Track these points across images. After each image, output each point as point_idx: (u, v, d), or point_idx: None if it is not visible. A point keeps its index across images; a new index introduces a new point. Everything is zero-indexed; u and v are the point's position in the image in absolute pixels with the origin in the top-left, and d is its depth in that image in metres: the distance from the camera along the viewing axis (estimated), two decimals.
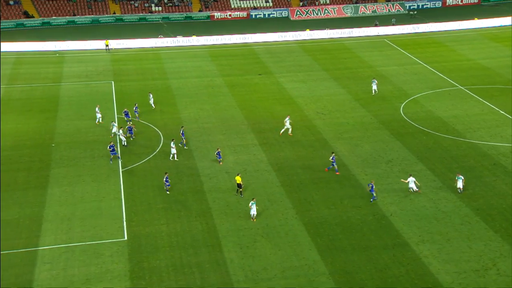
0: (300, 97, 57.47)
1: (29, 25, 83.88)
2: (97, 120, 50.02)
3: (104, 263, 32.39)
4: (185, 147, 45.63)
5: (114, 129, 46.37)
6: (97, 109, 50.50)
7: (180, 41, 77.14)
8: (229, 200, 38.84)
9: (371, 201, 38.17)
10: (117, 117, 51.69)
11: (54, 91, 58.66)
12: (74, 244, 33.94)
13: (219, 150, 43.41)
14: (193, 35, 79.00)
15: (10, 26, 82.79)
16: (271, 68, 66.73)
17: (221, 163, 42.80)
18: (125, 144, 45.36)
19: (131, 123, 48.21)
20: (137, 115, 51.32)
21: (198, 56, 72.10)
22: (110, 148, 43.30)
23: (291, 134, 48.20)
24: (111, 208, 37.66)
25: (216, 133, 49.25)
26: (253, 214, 36.20)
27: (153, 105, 54.04)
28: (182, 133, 46.38)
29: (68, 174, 41.78)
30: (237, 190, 39.34)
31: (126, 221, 36.23)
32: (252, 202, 36.25)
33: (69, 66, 66.88)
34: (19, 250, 33.28)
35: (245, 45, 76.74)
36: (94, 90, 59.26)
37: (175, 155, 43.73)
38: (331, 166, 42.02)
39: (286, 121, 48.60)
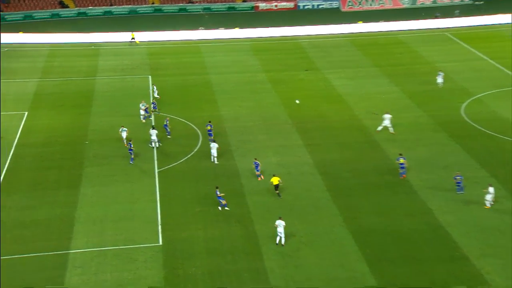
0: (349, 95, 56.93)
1: (64, 15, 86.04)
2: (142, 117, 50.70)
3: (138, 269, 32.86)
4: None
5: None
6: (141, 105, 51.12)
7: (222, 33, 77.58)
8: (270, 204, 38.81)
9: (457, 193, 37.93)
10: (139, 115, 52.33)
11: (88, 85, 59.98)
12: (107, 248, 34.56)
13: (257, 161, 41.96)
14: (236, 27, 79.32)
15: (46, 16, 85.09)
16: (318, 64, 66.32)
17: (260, 178, 41.42)
18: (156, 145, 45.63)
19: (166, 121, 48.72)
20: (154, 110, 52.16)
21: (240, 50, 72.35)
22: (128, 145, 43.79)
23: (393, 133, 47.55)
24: (145, 210, 38.19)
25: (257, 132, 49.30)
26: (280, 238, 34.48)
27: (157, 95, 55.11)
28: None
29: (101, 174, 42.61)
30: (277, 191, 39.54)
31: (161, 224, 36.68)
32: (279, 221, 34.65)
33: (104, 59, 68.26)
34: (50, 253, 34.10)
35: (291, 38, 76.56)
36: (129, 85, 60.29)
37: (216, 158, 43.91)
38: (403, 171, 41.28)
39: (385, 118, 47.96)
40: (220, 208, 38.06)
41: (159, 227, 36.45)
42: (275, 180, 39.57)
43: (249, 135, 48.73)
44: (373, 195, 39.69)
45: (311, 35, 77.45)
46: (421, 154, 44.77)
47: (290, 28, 78.60)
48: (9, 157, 44.50)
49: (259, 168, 41.61)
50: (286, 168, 43.28)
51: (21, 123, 50.33)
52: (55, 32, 75.42)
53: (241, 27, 79.25)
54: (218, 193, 38.08)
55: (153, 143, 45.54)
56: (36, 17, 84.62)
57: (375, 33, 78.42)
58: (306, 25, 79.54)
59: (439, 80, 57.84)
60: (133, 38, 73.88)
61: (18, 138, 47.54)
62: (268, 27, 78.85)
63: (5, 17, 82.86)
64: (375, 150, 45.79)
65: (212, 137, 46.52)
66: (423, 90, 57.40)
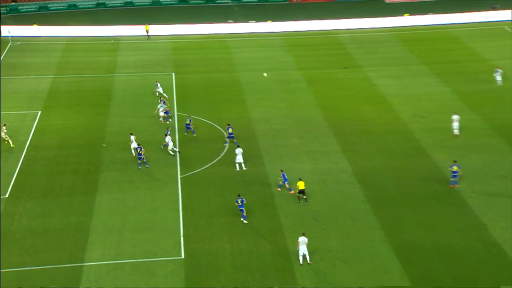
0: (393, 96, 56.56)
1: (82, 6, 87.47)
2: (161, 118, 51.32)
3: (157, 284, 33.12)
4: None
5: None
6: (159, 106, 51.63)
7: (252, 27, 77.84)
8: (304, 216, 38.79)
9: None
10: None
11: (106, 83, 60.82)
12: (124, 260, 34.95)
13: (283, 172, 41.75)
14: (268, 20, 79.52)
15: (62, 7, 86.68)
16: (359, 61, 66.08)
17: (291, 191, 41.18)
18: (176, 153, 46.03)
19: (189, 120, 49.08)
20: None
21: (272, 45, 72.50)
22: (138, 150, 44.31)
23: (457, 135, 47.68)
24: (166, 220, 38.53)
25: (291, 136, 49.32)
26: (303, 255, 34.21)
27: (163, 93, 55.75)
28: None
29: (119, 179, 43.14)
30: (299, 197, 39.83)
31: (183, 236, 36.94)
32: (302, 238, 34.45)
33: (124, 55, 69.16)
34: (63, 265, 34.61)
35: (329, 32, 76.44)
36: (151, 83, 60.89)
37: (243, 164, 44.12)
38: (456, 179, 40.94)
39: (454, 119, 47.84)
40: (242, 219, 38.21)
41: (181, 238, 36.72)
42: (301, 185, 39.84)
43: (281, 139, 48.79)
44: (419, 207, 39.33)
45: (351, 29, 77.18)
46: (474, 162, 44.20)
47: (328, 21, 78.48)
48: (21, 160, 45.39)
49: (286, 178, 41.32)
50: (321, 176, 43.22)
51: (34, 123, 51.30)
52: (72, 25, 76.71)
53: (274, 20, 79.41)
54: (239, 202, 38.15)
55: (171, 152, 45.85)
56: (51, 8, 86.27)
57: (422, 27, 77.77)
58: (345, 18, 79.34)
59: (498, 78, 57.15)
60: (147, 31, 74.55)
61: (31, 139, 48.46)
62: (303, 20, 78.89)
63: (19, 8, 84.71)
64: (422, 157, 45.37)
65: (233, 140, 47.03)
66: (477, 91, 56.67)
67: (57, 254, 35.41)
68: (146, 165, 44.30)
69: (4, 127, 47.51)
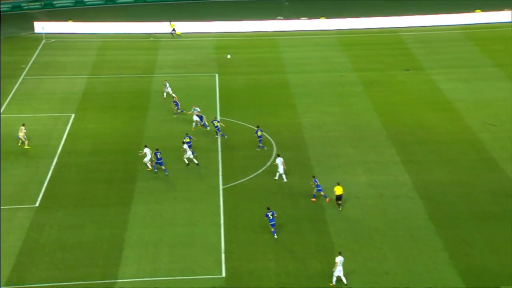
0: (461, 102, 55.73)
1: (120, 1, 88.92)
2: (194, 124, 51.65)
3: None
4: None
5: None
6: (193, 109, 52.06)
7: (304, 24, 77.80)
8: (358, 233, 38.55)
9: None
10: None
11: (144, 84, 61.61)
12: (160, 278, 35.22)
13: (315, 179, 41.96)
14: (321, 16, 79.32)
15: (99, 2, 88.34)
16: (423, 62, 65.38)
17: (327, 199, 41.62)
18: (187, 162, 46.30)
19: (218, 122, 49.42)
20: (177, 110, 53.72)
21: (326, 44, 72.33)
22: (155, 155, 44.92)
23: None
24: (207, 235, 38.73)
25: (344, 144, 49.10)
26: (337, 276, 34.13)
27: (172, 94, 56.47)
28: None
29: (156, 189, 43.60)
30: (339, 204, 40.47)
31: (224, 253, 37.06)
32: (339, 258, 34.36)
33: (164, 54, 69.97)
34: (95, 282, 35.12)
35: (389, 30, 75.85)
36: (193, 84, 61.48)
37: (283, 175, 44.12)
38: None
39: None
40: (275, 235, 38.31)
41: (223, 255, 36.84)
42: (338, 190, 40.16)
43: (334, 148, 48.62)
44: (489, 227, 38.65)
45: (414, 27, 76.43)
46: None
47: (388, 18, 77.82)
48: (52, 167, 46.33)
49: (320, 187, 41.61)
50: (378, 190, 42.85)
51: (66, 127, 52.35)
52: (109, 21, 78.01)
53: (328, 16, 79.16)
54: (270, 216, 38.11)
55: (186, 160, 46.18)
56: (88, 3, 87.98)
57: (496, 24, 76.37)
58: (408, 14, 78.51)
59: None
60: (173, 30, 75.26)
61: (63, 144, 49.45)
62: (360, 17, 78.42)
63: (54, 3, 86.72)
64: (493, 171, 44.55)
65: (261, 144, 47.53)
66: None
67: (88, 270, 35.95)
68: (166, 173, 44.90)
69: (23, 127, 48.75)
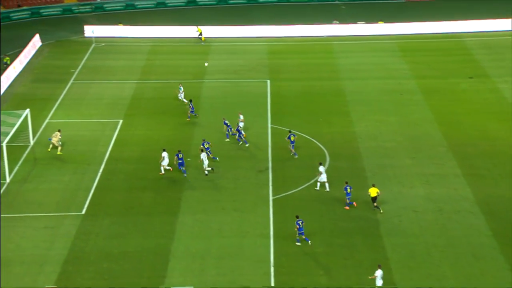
0: None
1: (171, 4, 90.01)
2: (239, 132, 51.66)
3: None
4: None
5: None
6: (241, 117, 52.05)
7: (360, 29, 77.39)
8: (415, 249, 38.09)
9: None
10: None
11: (194, 89, 61.85)
12: None
13: (348, 185, 42.09)
14: (379, 21, 78.80)
15: (149, 5, 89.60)
16: (488, 69, 64.45)
17: (354, 204, 41.98)
18: (206, 172, 46.49)
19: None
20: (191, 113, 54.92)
21: (383, 49, 71.92)
22: (177, 157, 45.98)
23: None
24: (256, 247, 38.71)
25: (401, 155, 48.66)
26: None
27: (183, 99, 57.62)
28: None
29: (204, 199, 43.82)
30: (377, 206, 41.10)
31: (274, 266, 36.98)
32: (379, 272, 34.11)
33: (215, 58, 70.41)
34: None
35: (452, 36, 74.94)
36: (244, 91, 61.70)
37: (326, 184, 43.93)
38: None
39: None
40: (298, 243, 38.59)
41: (272, 268, 36.77)
42: (373, 192, 40.63)
43: (390, 159, 48.22)
44: None
45: (479, 32, 75.38)
46: None
47: (451, 22, 76.82)
48: (99, 174, 47.04)
49: (350, 193, 41.89)
50: (437, 204, 42.27)
51: (114, 133, 53.12)
52: (159, 25, 78.98)
53: (386, 21, 78.64)
54: (300, 224, 38.23)
55: (206, 171, 46.36)
56: (138, 6, 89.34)
57: None
58: (474, 18, 77.25)
59: None
60: (200, 34, 75.51)
61: (110, 151, 50.18)
62: (421, 21, 77.65)
63: (104, 6, 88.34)
64: None
65: (294, 150, 47.79)
66: None
67: (134, 280, 36.27)
68: (185, 174, 45.96)
69: (58, 133, 49.68)
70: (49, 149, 49.82)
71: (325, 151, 49.39)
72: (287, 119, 54.63)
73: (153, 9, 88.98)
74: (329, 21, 79.74)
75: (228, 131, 51.29)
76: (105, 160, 48.91)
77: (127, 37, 77.03)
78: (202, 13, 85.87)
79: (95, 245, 39.21)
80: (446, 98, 58.53)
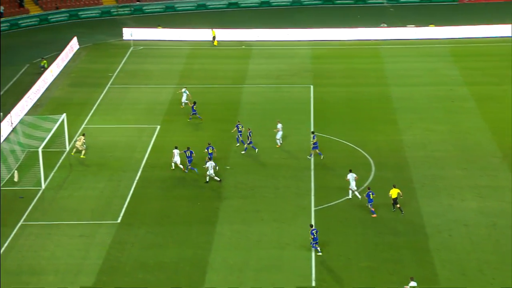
0: None
1: (212, 6, 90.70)
2: (278, 141, 51.56)
3: None
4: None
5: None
6: (279, 126, 51.88)
7: (410, 32, 76.91)
8: (466, 265, 37.62)
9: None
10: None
11: (233, 94, 62.43)
12: None
13: (370, 191, 42.30)
14: (430, 24, 78.25)
15: (190, 7, 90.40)
16: None
17: (375, 215, 41.86)
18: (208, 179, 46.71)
19: (250, 133, 50.06)
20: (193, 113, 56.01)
21: (434, 54, 71.50)
22: (186, 154, 47.47)
23: None
24: (296, 260, 38.60)
25: (452, 166, 48.26)
26: None
27: (183, 103, 58.09)
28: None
29: (242, 208, 43.92)
30: (393, 206, 41.78)
31: (315, 280, 36.82)
32: (413, 283, 33.98)
33: (256, 63, 70.72)
34: None
35: (508, 40, 74.09)
36: (285, 96, 61.75)
37: (356, 192, 43.92)
38: None
39: None
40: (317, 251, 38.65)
41: (313, 282, 36.61)
42: (395, 193, 41.32)
43: (440, 169, 47.84)
44: None
45: None
46: None
47: (507, 26, 75.90)
48: (135, 181, 47.48)
49: (371, 199, 42.22)
50: (490, 218, 41.75)
51: (151, 139, 53.61)
52: (199, 27, 79.46)
53: (438, 24, 78.04)
54: (315, 234, 38.32)
55: (207, 178, 46.56)
56: (178, 8, 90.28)
57: None
58: None
59: None
60: (213, 38, 75.58)
61: (147, 157, 50.65)
62: (475, 25, 76.96)
63: (143, 8, 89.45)
64: None
65: (316, 150, 48.16)
66: None
67: None
68: (196, 171, 47.43)
69: (82, 137, 50.53)
70: (72, 153, 50.67)
71: (371, 160, 49.14)
72: (330, 127, 54.54)
73: (193, 11, 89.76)
74: (376, 24, 79.49)
75: (239, 137, 51.68)
76: (141, 167, 49.37)
77: (165, 40, 77.79)
78: (243, 16, 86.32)
79: (131, 255, 39.52)
80: (500, 106, 57.90)
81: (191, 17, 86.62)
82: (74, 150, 50.67)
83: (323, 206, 43.79)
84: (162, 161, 49.98)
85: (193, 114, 56.21)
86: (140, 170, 48.96)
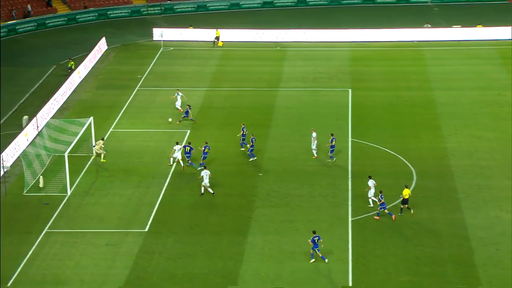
0: None
1: (245, 5, 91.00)
2: (314, 151, 51.32)
3: None
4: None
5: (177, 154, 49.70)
6: (314, 134, 51.57)
7: (456, 33, 76.40)
8: None
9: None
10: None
11: (267, 98, 62.46)
12: None
13: (382, 194, 42.32)
14: (478, 24, 77.62)
15: (223, 7, 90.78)
16: None
17: (393, 216, 42.42)
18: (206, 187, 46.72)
19: (253, 140, 50.39)
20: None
21: (482, 57, 71.15)
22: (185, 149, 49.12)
23: None
24: (332, 273, 38.44)
25: (499, 176, 47.87)
26: None
27: (178, 108, 58.65)
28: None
29: (276, 218, 43.85)
30: (402, 207, 42.73)
31: None
32: None
33: (291, 65, 70.75)
34: None
35: None
36: (322, 100, 61.66)
37: (370, 200, 44.08)
38: None
39: None
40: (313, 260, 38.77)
41: None
42: (406, 193, 42.44)
43: (486, 179, 47.50)
44: None
45: None
46: None
47: None
48: (164, 188, 47.72)
49: (385, 204, 42.51)
50: None
51: (181, 144, 53.69)
52: (232, 28, 79.67)
53: (486, 24, 77.34)
54: (316, 240, 38.40)
55: (202, 189, 46.63)
56: (210, 7, 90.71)
57: None
58: None
59: None
60: (216, 38, 75.61)
61: (176, 164, 50.81)
62: None
63: (174, 7, 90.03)
64: None
65: (329, 154, 48.66)
66: None
67: None
68: (195, 166, 49.03)
69: (101, 141, 51.20)
70: (93, 157, 51.15)
71: (412, 169, 48.84)
72: (369, 133, 54.35)
73: (226, 11, 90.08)
74: (420, 25, 79.10)
75: (241, 140, 52.02)
76: (170, 173, 49.59)
77: (197, 41, 78.16)
78: (279, 16, 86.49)
79: (158, 265, 39.67)
80: None
81: (223, 17, 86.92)
82: (95, 154, 51.29)
83: (361, 216, 43.60)
84: (191, 167, 50.13)
85: (184, 117, 56.79)
86: (169, 176, 49.18)
